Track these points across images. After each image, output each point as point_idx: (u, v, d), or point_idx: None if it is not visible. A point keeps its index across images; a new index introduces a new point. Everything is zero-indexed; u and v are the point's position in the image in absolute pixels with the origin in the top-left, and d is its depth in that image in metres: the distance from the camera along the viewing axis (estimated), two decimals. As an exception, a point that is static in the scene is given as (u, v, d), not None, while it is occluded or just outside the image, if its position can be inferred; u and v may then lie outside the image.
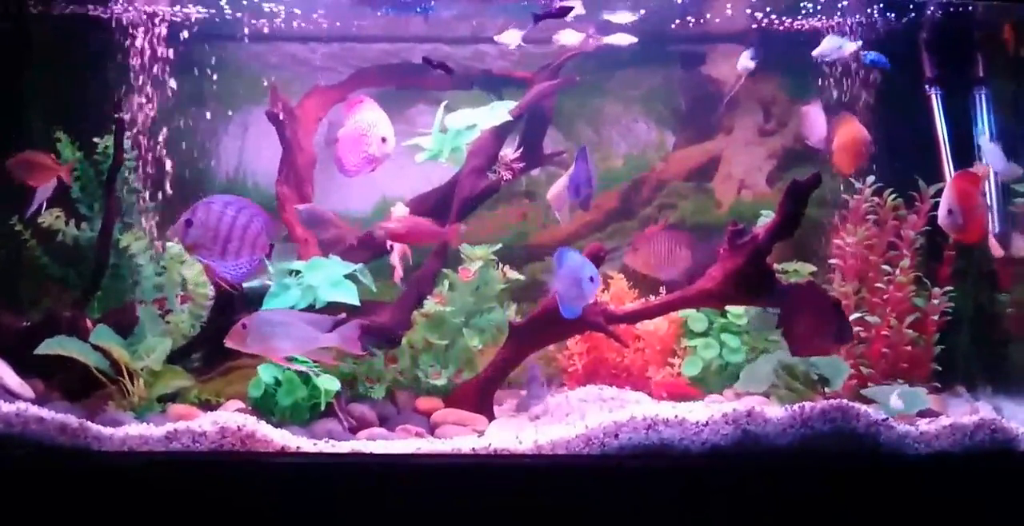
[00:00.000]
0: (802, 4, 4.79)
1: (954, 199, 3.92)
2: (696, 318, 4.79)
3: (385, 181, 4.79)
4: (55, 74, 4.86)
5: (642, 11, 4.73)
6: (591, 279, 3.73)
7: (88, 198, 4.66)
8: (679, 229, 5.06)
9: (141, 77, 4.88)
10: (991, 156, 4.53)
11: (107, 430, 3.49)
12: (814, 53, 4.66)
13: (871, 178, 4.65)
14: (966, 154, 4.71)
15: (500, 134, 4.66)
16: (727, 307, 4.68)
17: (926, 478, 3.53)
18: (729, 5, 4.79)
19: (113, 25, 4.82)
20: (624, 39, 4.91)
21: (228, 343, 3.45)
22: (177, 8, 4.78)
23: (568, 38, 4.79)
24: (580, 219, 5.21)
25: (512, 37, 4.69)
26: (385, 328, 4.28)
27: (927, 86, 4.94)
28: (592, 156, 4.26)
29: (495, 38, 4.73)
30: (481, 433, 3.98)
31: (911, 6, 4.71)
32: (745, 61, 4.90)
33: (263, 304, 4.08)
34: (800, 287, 4.02)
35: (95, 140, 4.63)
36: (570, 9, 3.98)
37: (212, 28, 4.94)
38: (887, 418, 3.58)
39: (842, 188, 4.77)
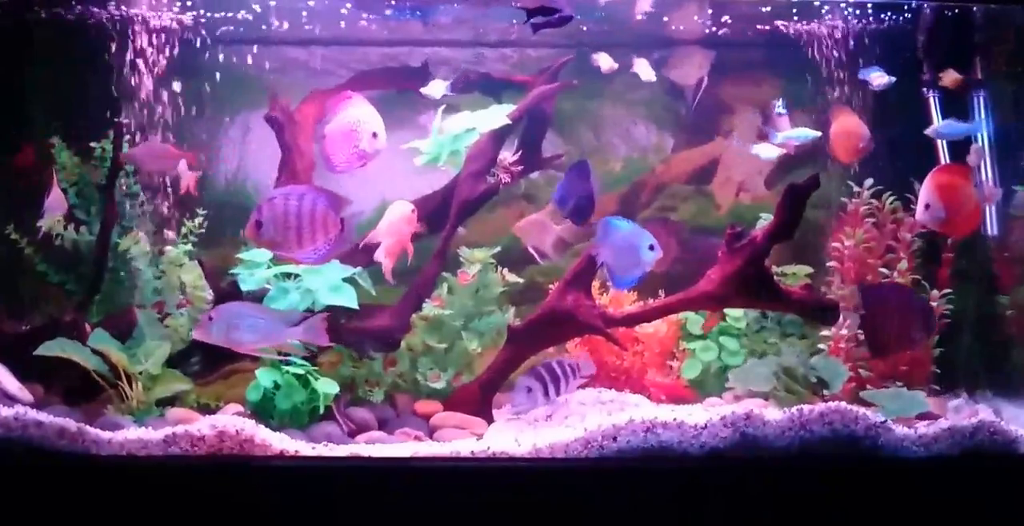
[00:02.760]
0: (801, 7, 4.80)
1: (932, 193, 3.88)
2: (695, 321, 4.79)
3: (384, 184, 4.78)
4: (53, 76, 4.86)
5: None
6: (650, 247, 3.58)
7: (86, 202, 4.65)
8: (669, 221, 5.07)
9: (140, 80, 4.89)
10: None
11: (106, 434, 3.50)
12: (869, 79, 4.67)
13: (869, 181, 4.65)
14: (964, 156, 4.71)
15: (499, 137, 4.66)
16: (726, 310, 4.68)
17: (925, 481, 3.52)
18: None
19: (112, 27, 4.82)
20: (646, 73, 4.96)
21: (195, 335, 3.45)
22: (177, 10, 4.79)
23: (604, 62, 4.86)
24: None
25: (437, 89, 4.66)
26: (382, 331, 4.28)
27: (925, 89, 4.95)
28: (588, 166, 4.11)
29: (421, 91, 4.66)
30: (480, 436, 3.98)
31: (910, 8, 4.72)
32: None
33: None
34: (882, 288, 4.01)
35: (92, 145, 4.63)
36: (570, 18, 3.97)
37: (212, 30, 4.94)
38: (886, 421, 3.58)
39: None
